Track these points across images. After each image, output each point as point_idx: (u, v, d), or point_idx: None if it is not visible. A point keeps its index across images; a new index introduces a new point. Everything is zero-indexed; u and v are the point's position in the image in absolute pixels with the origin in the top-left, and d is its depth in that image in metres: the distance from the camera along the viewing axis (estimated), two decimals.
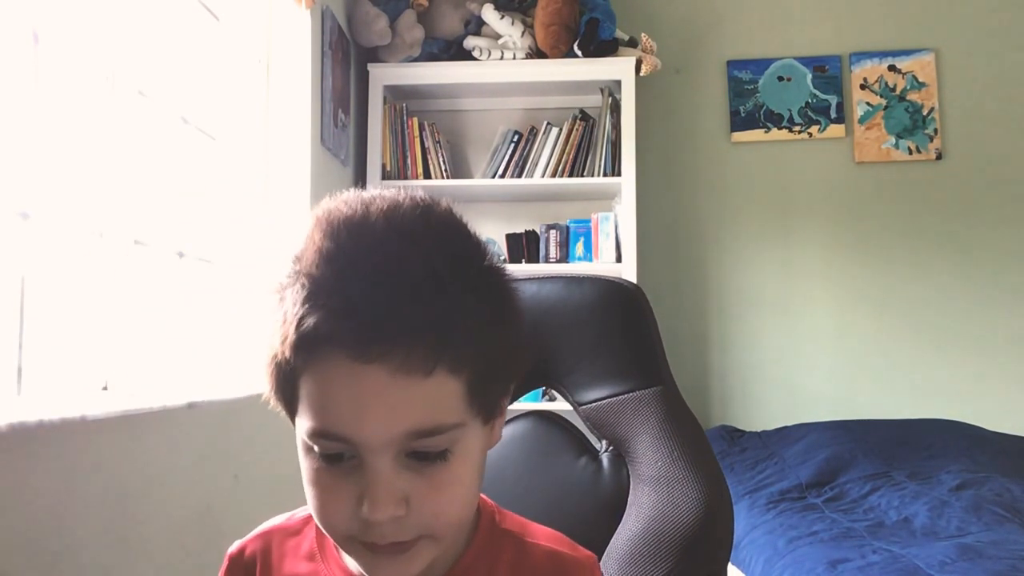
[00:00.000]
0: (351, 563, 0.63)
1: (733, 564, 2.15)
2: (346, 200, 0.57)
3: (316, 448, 0.55)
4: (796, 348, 3.27)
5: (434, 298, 0.53)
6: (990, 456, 2.65)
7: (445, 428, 0.55)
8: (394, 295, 0.52)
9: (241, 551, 0.69)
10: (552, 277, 0.94)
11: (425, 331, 0.52)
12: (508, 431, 0.95)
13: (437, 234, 0.56)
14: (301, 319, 0.53)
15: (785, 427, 3.01)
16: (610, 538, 0.86)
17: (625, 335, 0.92)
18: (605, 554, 0.85)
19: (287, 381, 0.56)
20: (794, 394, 3.24)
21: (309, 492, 0.57)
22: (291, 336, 0.53)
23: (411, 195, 0.59)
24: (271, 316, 0.56)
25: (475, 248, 0.59)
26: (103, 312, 1.56)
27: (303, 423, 0.55)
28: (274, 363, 0.56)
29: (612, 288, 0.93)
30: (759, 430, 3.07)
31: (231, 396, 1.77)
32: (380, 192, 0.58)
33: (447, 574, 0.63)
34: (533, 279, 0.95)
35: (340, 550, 0.64)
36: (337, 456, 0.55)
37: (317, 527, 0.65)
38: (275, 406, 0.59)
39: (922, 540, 1.94)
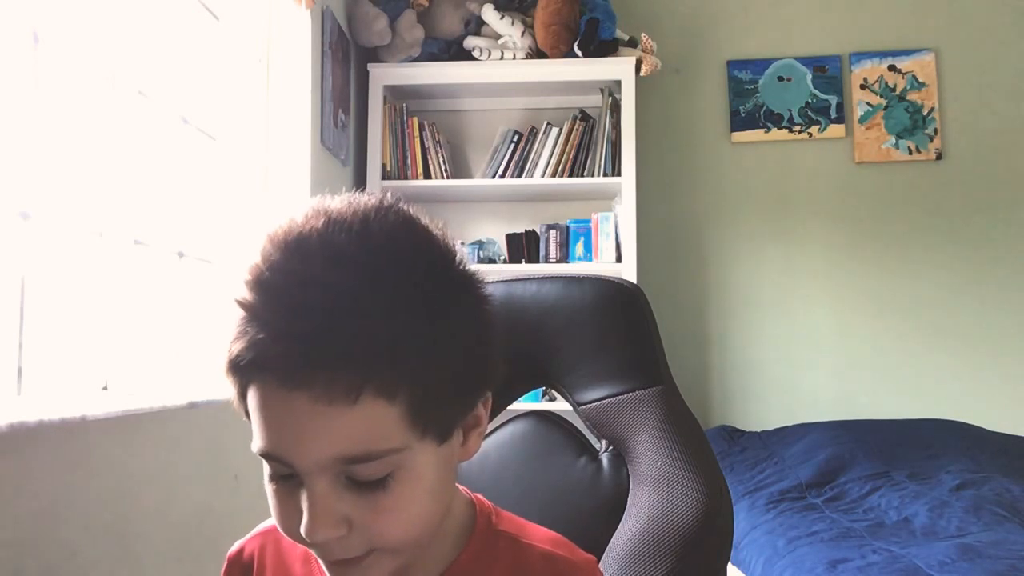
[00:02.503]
0: None
1: (733, 564, 2.14)
2: (292, 217, 0.56)
3: (266, 465, 0.57)
4: (796, 348, 3.27)
5: (357, 324, 0.52)
6: (990, 456, 2.65)
7: (380, 454, 0.53)
8: (316, 323, 0.51)
9: (240, 552, 0.70)
10: (552, 277, 0.94)
11: (347, 358, 0.51)
12: (508, 431, 0.95)
13: (369, 253, 0.54)
14: (232, 345, 0.53)
15: (785, 427, 3.01)
16: (610, 538, 0.85)
17: (625, 335, 0.91)
18: (605, 554, 0.84)
19: (239, 399, 0.57)
20: (794, 394, 3.24)
21: (270, 503, 0.58)
22: (225, 362, 0.55)
23: (361, 206, 0.56)
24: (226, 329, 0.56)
25: (419, 265, 0.56)
26: (103, 312, 1.56)
27: (255, 441, 0.56)
28: (229, 382, 0.57)
29: (612, 288, 0.92)
30: (759, 430, 3.07)
31: (231, 396, 1.76)
32: (334, 205, 0.56)
33: None
34: (532, 279, 0.94)
35: None
36: (285, 475, 0.56)
37: None
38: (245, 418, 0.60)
39: (922, 540, 1.94)
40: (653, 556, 0.81)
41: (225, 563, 0.70)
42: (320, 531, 0.53)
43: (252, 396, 0.55)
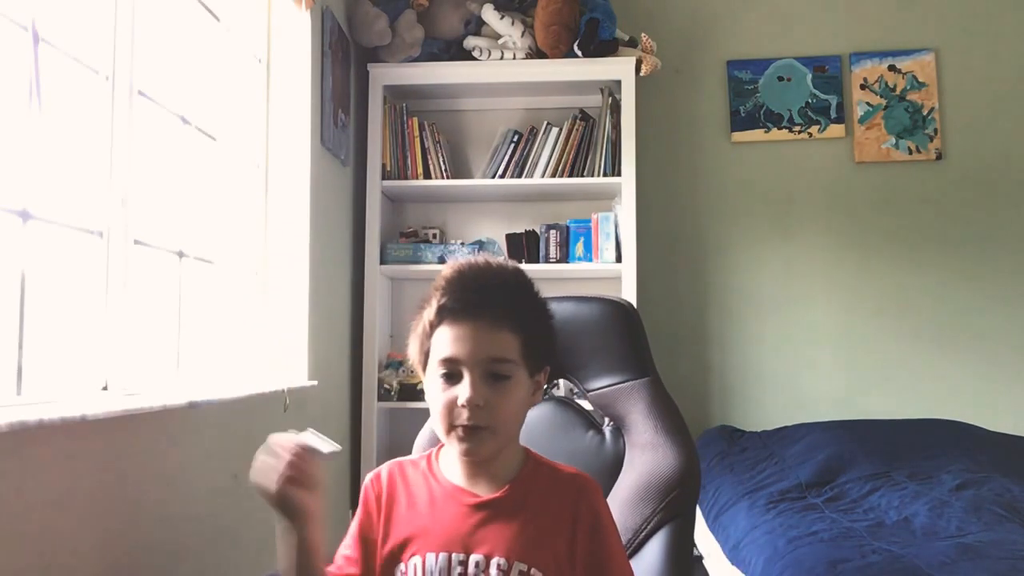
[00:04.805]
0: (451, 476, 1.05)
1: (733, 564, 2.14)
2: (466, 256, 1.11)
3: (441, 371, 1.01)
4: (796, 348, 3.27)
5: (504, 295, 1.04)
6: (990, 456, 2.65)
7: (509, 360, 1.01)
8: (485, 292, 1.03)
9: (377, 476, 1.09)
10: (566, 298, 1.33)
11: (500, 308, 1.02)
12: (537, 412, 1.31)
13: (510, 271, 1.08)
14: (441, 299, 1.03)
15: (785, 427, 3.00)
16: (611, 488, 1.24)
17: (622, 340, 1.31)
18: (608, 499, 1.17)
19: (427, 339, 1.03)
20: (794, 394, 3.24)
21: (435, 403, 1.01)
22: (434, 308, 1.03)
23: (494, 257, 1.10)
24: (421, 310, 1.05)
25: (531, 283, 1.09)
26: (103, 312, 1.56)
27: (435, 357, 1.02)
28: (421, 331, 1.04)
29: (612, 306, 1.32)
30: (759, 430, 3.07)
31: (231, 396, 1.77)
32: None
33: (511, 486, 1.04)
34: (552, 299, 1.25)
35: (442, 471, 1.06)
36: (451, 375, 1.01)
37: (427, 459, 1.09)
38: (416, 363, 1.06)
39: (922, 540, 1.94)
40: (643, 500, 1.20)
41: (367, 483, 1.08)
42: (476, 396, 0.98)
43: (444, 329, 1.02)
